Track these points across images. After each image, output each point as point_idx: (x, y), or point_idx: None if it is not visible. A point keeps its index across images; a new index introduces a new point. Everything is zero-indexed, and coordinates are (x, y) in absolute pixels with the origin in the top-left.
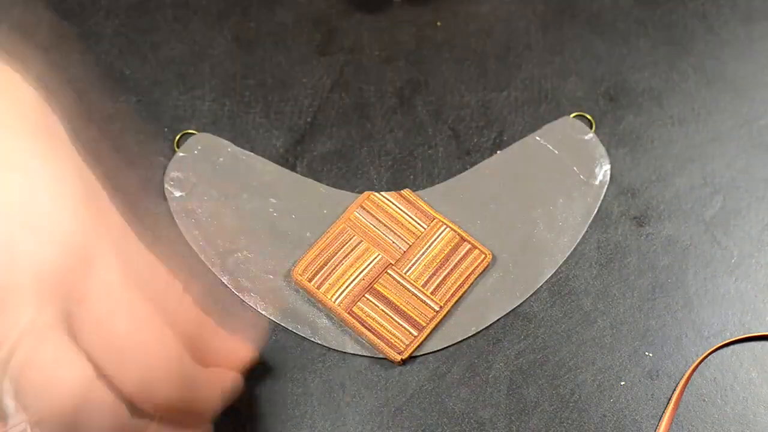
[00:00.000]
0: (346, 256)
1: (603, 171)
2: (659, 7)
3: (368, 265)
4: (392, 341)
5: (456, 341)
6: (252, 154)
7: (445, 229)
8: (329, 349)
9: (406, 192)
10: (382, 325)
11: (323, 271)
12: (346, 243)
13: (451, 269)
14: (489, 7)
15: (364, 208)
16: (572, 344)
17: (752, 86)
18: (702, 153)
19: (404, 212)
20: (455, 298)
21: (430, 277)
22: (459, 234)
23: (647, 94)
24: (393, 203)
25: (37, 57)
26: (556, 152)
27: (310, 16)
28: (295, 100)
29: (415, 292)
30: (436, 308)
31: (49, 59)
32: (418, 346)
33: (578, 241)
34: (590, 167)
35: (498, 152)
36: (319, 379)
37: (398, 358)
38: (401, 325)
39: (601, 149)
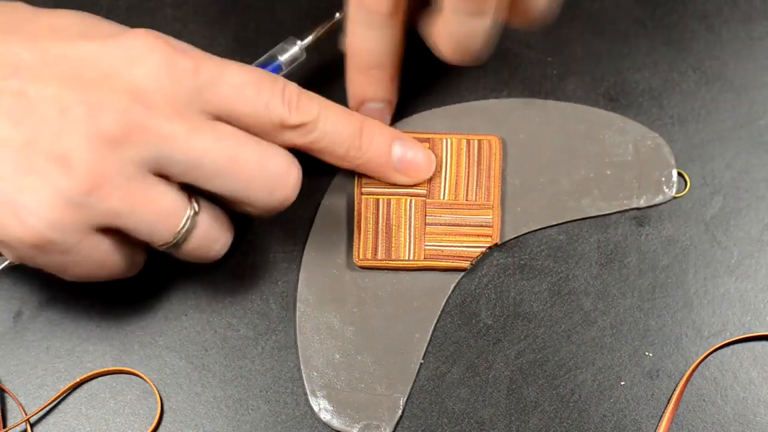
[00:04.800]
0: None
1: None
2: (659, 7)
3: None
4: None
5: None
6: None
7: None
8: None
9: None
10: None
11: (378, 243)
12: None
13: (477, 169)
14: None
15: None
16: (572, 344)
17: (752, 86)
18: (702, 153)
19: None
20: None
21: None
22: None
23: (647, 94)
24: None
25: None
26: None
27: (310, 16)
28: None
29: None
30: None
31: None
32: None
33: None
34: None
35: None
36: None
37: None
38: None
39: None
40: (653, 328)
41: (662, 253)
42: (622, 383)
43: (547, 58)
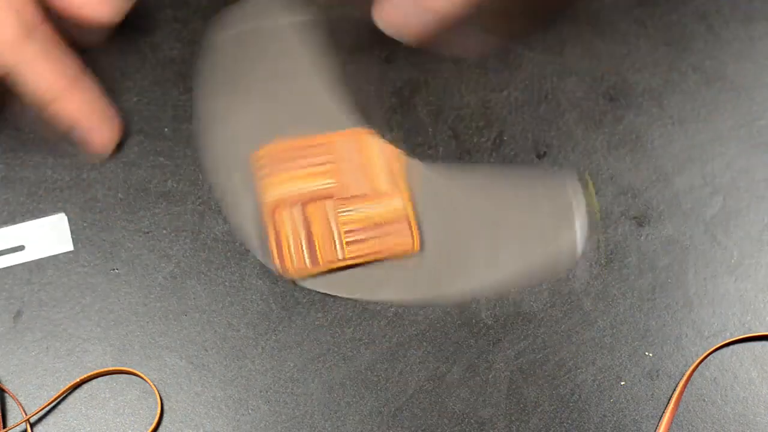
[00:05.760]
0: (305, 167)
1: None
2: (659, 7)
3: (316, 186)
4: (287, 258)
5: (339, 296)
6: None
7: (398, 200)
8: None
9: (397, 152)
10: (288, 240)
11: (278, 166)
12: (315, 156)
13: (376, 237)
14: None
15: (352, 140)
16: (572, 344)
17: (752, 86)
18: (702, 153)
19: (379, 164)
20: (361, 261)
21: (356, 230)
22: (406, 212)
23: (647, 94)
24: (378, 152)
25: None
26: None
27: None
28: None
29: (335, 232)
30: (339, 257)
31: None
32: (307, 277)
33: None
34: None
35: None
36: (319, 379)
37: (285, 274)
38: (304, 251)
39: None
40: (653, 328)
41: (662, 253)
42: (622, 383)
43: (547, 58)
